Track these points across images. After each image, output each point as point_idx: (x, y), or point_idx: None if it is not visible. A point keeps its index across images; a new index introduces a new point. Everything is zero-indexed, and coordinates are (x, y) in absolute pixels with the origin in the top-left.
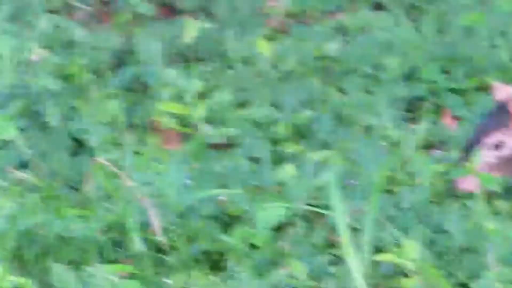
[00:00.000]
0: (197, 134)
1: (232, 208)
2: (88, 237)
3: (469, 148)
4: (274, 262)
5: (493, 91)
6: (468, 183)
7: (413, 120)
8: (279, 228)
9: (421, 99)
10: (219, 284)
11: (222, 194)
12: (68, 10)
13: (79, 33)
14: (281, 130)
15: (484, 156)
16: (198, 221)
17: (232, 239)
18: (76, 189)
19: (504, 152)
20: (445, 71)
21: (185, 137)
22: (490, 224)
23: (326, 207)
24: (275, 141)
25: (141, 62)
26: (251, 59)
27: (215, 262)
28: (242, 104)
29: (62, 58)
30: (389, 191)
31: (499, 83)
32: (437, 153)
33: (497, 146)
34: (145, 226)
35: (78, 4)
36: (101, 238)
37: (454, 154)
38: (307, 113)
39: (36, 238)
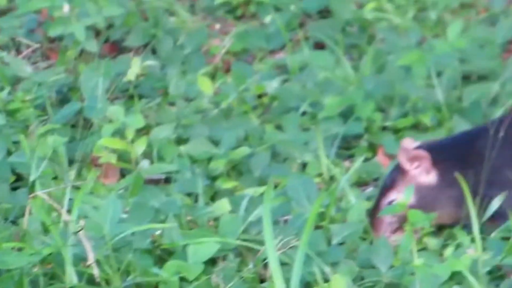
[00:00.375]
0: (136, 169)
1: (166, 242)
2: (23, 270)
3: (372, 212)
4: None
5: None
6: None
7: (349, 157)
8: (211, 262)
9: (357, 136)
10: None
11: (157, 228)
12: (15, 46)
13: (25, 69)
14: (218, 166)
15: (385, 217)
16: (132, 254)
17: (165, 273)
18: (14, 222)
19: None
20: (382, 110)
21: (124, 172)
22: (418, 260)
23: (259, 242)
24: (211, 177)
25: (85, 98)
26: (192, 96)
27: None
28: (181, 140)
29: (7, 94)
30: (321, 227)
31: (405, 148)
32: (369, 190)
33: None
34: (80, 259)
35: (25, 41)
36: (37, 271)
37: None
38: (244, 150)
39: None
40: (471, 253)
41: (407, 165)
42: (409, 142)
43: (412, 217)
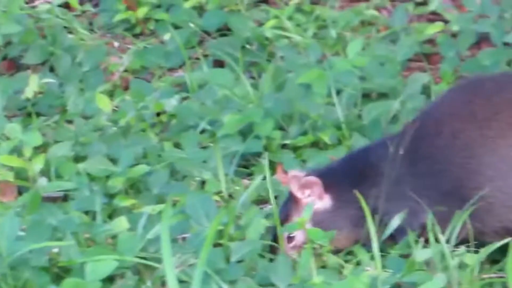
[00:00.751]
0: (33, 187)
1: (63, 259)
2: None
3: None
4: None
5: (289, 181)
6: (298, 238)
7: (248, 175)
8: (109, 280)
9: (256, 154)
10: None
11: (54, 246)
12: None
13: None
14: (116, 183)
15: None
16: (29, 272)
17: None
18: None
19: (296, 242)
20: (281, 128)
21: (21, 190)
22: (317, 278)
23: (157, 260)
24: (110, 195)
25: None
26: (91, 114)
27: None
28: (79, 158)
29: None
30: (219, 245)
31: (295, 176)
32: (268, 207)
33: (289, 238)
34: None
35: None
36: None
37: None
38: (143, 168)
39: None
40: (371, 271)
41: (299, 194)
42: (297, 173)
43: (311, 235)
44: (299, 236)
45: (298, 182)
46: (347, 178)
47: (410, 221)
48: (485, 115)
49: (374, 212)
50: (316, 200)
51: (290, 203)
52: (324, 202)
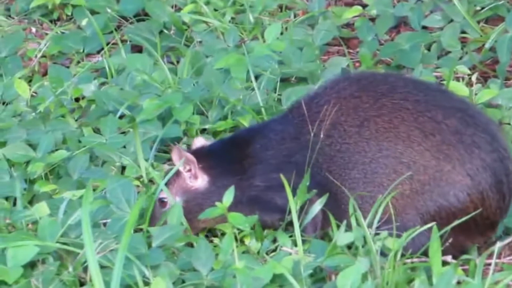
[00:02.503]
0: None
1: None
2: None
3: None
4: None
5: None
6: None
7: (168, 160)
8: (31, 266)
9: (176, 139)
10: None
11: None
12: None
13: None
14: (36, 169)
15: (157, 212)
16: None
17: None
18: None
19: (165, 208)
20: (201, 113)
21: None
22: (239, 263)
23: (78, 245)
24: (30, 180)
25: None
26: (9, 99)
27: None
28: None
29: None
30: (140, 230)
31: (178, 148)
32: None
33: (162, 202)
34: None
35: None
36: None
37: None
38: (62, 153)
39: None
40: (293, 255)
41: (180, 166)
42: (200, 141)
43: (233, 220)
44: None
45: (179, 156)
46: (226, 164)
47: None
48: (367, 114)
49: (249, 198)
50: (192, 177)
51: (175, 172)
52: (199, 182)
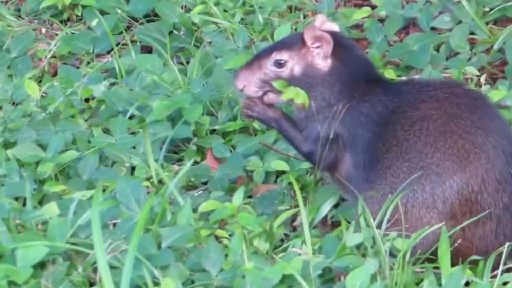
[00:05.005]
0: None
1: None
2: None
3: (258, 56)
4: None
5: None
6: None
7: (177, 161)
8: (41, 266)
9: (185, 140)
10: None
11: None
12: None
13: None
14: (46, 169)
15: (265, 69)
16: None
17: None
18: None
19: (284, 72)
20: (210, 113)
21: None
22: (248, 264)
23: (88, 246)
24: (40, 181)
25: None
26: (19, 100)
27: None
28: (8, 144)
29: None
30: (150, 230)
31: (323, 16)
32: (198, 193)
33: (280, 64)
34: None
35: None
36: None
37: (216, 194)
38: (72, 153)
39: None
40: (303, 255)
41: (309, 42)
42: (322, 18)
43: (242, 220)
44: (290, 65)
45: (314, 32)
46: (352, 69)
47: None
48: (456, 129)
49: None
50: (320, 56)
51: (298, 40)
52: (324, 63)
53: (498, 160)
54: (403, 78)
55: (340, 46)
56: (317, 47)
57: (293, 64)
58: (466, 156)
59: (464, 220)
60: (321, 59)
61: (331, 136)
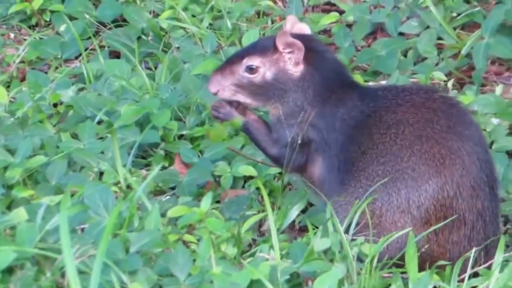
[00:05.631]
0: None
1: None
2: None
3: (230, 60)
4: None
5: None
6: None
7: (145, 166)
8: (9, 271)
9: (153, 145)
10: None
11: None
12: None
13: None
14: (14, 174)
15: (237, 74)
16: None
17: None
18: None
19: (256, 78)
20: (178, 119)
21: None
22: (216, 268)
23: (56, 251)
24: (8, 186)
25: None
26: None
27: None
28: None
29: None
30: (118, 235)
31: (294, 17)
32: (166, 198)
33: (252, 70)
34: None
35: None
36: None
37: (184, 199)
38: (41, 158)
39: None
40: (270, 260)
41: (281, 47)
42: (293, 19)
43: (210, 225)
44: (261, 70)
45: (286, 39)
46: (325, 76)
47: None
48: (432, 134)
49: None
50: (292, 62)
51: (270, 45)
52: (296, 69)
53: (473, 167)
54: (371, 83)
55: (312, 51)
56: (289, 52)
57: (265, 70)
58: (441, 161)
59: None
60: (293, 65)
61: (302, 141)
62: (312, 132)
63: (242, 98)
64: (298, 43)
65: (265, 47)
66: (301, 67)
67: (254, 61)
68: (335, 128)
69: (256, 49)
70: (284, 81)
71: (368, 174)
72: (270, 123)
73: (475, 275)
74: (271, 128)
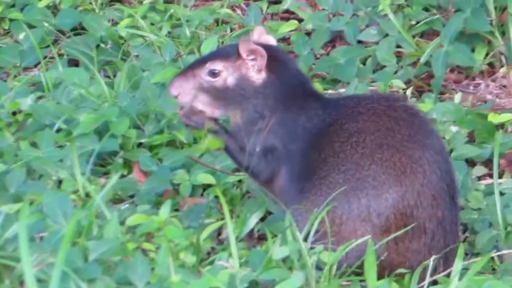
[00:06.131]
0: None
1: None
2: None
3: (193, 64)
4: None
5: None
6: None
7: (104, 174)
8: None
9: (112, 153)
10: None
11: None
12: None
13: None
14: None
15: (199, 78)
16: None
17: None
18: None
19: (218, 82)
20: (137, 127)
21: None
22: (175, 277)
23: (15, 259)
24: None
25: None
26: None
27: None
28: None
29: None
30: (77, 244)
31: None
32: (125, 206)
33: (214, 74)
34: None
35: None
36: None
37: (142, 207)
38: None
39: None
40: (229, 268)
41: (244, 54)
42: (260, 30)
43: (169, 233)
44: (224, 75)
45: (249, 46)
46: (287, 84)
47: None
48: (394, 143)
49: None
50: (254, 69)
51: (234, 52)
52: (258, 76)
53: (434, 176)
54: (330, 91)
55: (275, 60)
56: (252, 59)
57: (227, 75)
58: (402, 170)
59: (399, 234)
60: (255, 72)
61: (265, 149)
62: (273, 139)
63: (202, 103)
64: (261, 50)
65: (228, 52)
66: (263, 75)
67: (217, 65)
68: (297, 135)
69: (220, 54)
70: (245, 87)
71: (329, 182)
72: (233, 132)
73: (435, 283)
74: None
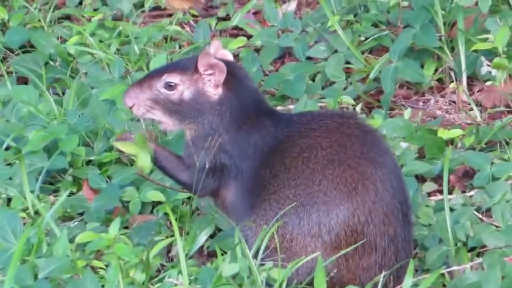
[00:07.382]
0: None
1: None
2: None
3: (150, 75)
4: None
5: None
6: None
7: (53, 192)
8: None
9: (61, 171)
10: None
11: None
12: None
13: None
14: None
15: (155, 89)
16: None
17: None
18: None
19: (174, 95)
20: (86, 144)
21: None
22: None
23: None
24: None
25: None
26: None
27: None
28: None
29: None
30: (27, 261)
31: (218, 42)
32: (74, 224)
33: (171, 87)
34: None
35: None
36: None
37: (92, 225)
38: None
39: None
40: (179, 286)
41: (202, 68)
42: (217, 45)
43: (118, 251)
44: (180, 88)
45: (208, 60)
46: (243, 102)
47: None
48: (345, 158)
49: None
50: (211, 83)
51: (191, 66)
52: (214, 91)
53: (386, 193)
54: (279, 108)
55: (232, 76)
56: (210, 74)
57: (184, 88)
58: (354, 186)
59: (350, 251)
60: (212, 87)
61: (214, 166)
62: (224, 157)
63: (157, 115)
64: (221, 65)
65: (186, 65)
66: (219, 91)
67: (174, 78)
68: (248, 154)
69: (178, 67)
70: (201, 102)
71: (279, 197)
72: (184, 147)
73: None
74: (183, 153)
